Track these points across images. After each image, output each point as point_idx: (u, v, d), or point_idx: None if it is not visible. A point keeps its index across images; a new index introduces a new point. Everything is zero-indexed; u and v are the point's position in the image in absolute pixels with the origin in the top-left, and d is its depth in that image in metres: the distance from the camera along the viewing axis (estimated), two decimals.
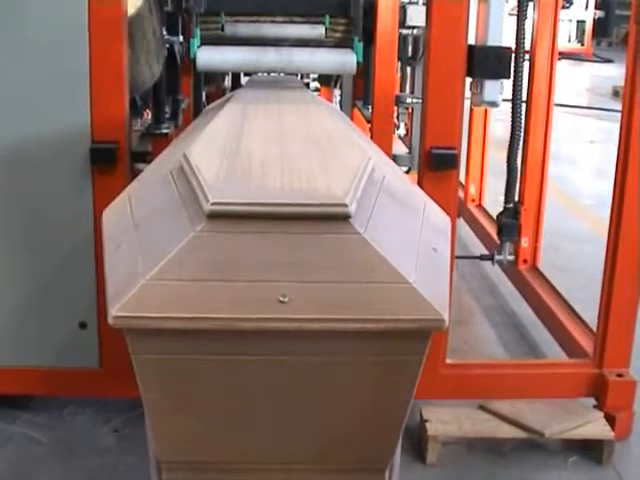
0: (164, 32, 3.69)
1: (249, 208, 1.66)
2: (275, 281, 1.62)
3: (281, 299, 1.61)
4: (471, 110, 5.56)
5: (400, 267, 1.64)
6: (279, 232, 1.65)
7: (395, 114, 5.60)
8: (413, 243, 1.82)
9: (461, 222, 5.72)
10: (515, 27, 3.71)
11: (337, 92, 5.76)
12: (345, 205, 1.66)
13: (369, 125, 4.11)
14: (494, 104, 3.16)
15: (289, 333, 1.63)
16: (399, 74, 5.64)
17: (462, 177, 5.78)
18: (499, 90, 3.09)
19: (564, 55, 15.54)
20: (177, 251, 1.63)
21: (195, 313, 1.60)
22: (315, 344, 1.67)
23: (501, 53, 3.08)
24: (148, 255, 1.69)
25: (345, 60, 3.29)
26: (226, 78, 5.41)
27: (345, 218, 1.66)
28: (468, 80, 3.04)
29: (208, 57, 3.27)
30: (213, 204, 1.65)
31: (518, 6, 3.67)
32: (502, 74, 3.08)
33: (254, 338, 1.65)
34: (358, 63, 3.31)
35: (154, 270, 1.62)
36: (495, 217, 4.22)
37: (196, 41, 3.26)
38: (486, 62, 3.01)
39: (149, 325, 1.60)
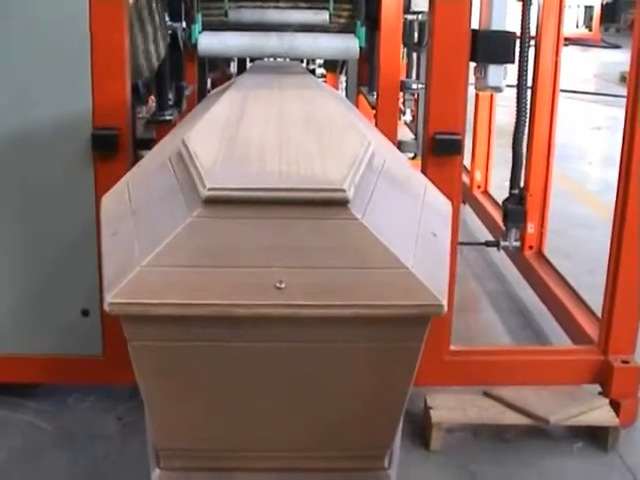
0: (167, 18, 3.66)
1: (246, 193, 1.65)
2: (272, 267, 1.61)
3: (278, 285, 1.59)
4: (477, 96, 5.54)
5: (398, 252, 1.63)
6: (276, 217, 1.64)
7: (401, 100, 5.60)
8: (412, 228, 1.80)
9: (467, 208, 5.71)
10: (520, 12, 3.68)
11: (343, 78, 5.75)
12: (343, 190, 1.64)
13: (374, 111, 4.10)
14: (498, 89, 3.14)
15: (286, 319, 1.62)
16: (405, 60, 5.63)
17: (468, 163, 5.77)
18: (503, 75, 3.07)
19: (572, 41, 15.54)
20: (174, 237, 1.62)
21: (191, 299, 1.59)
22: (312, 330, 1.66)
23: (505, 37, 3.06)
24: (145, 241, 1.68)
25: (348, 45, 3.28)
26: (232, 64, 5.40)
27: (343, 203, 1.64)
28: (472, 65, 3.02)
29: (209, 42, 3.27)
30: (210, 189, 1.64)
31: None
32: (506, 59, 3.06)
33: (251, 324, 1.63)
34: (361, 48, 3.29)
35: (150, 256, 1.61)
36: (501, 203, 4.21)
37: (197, 26, 3.25)
38: (490, 46, 2.99)
39: (145, 311, 1.60)
